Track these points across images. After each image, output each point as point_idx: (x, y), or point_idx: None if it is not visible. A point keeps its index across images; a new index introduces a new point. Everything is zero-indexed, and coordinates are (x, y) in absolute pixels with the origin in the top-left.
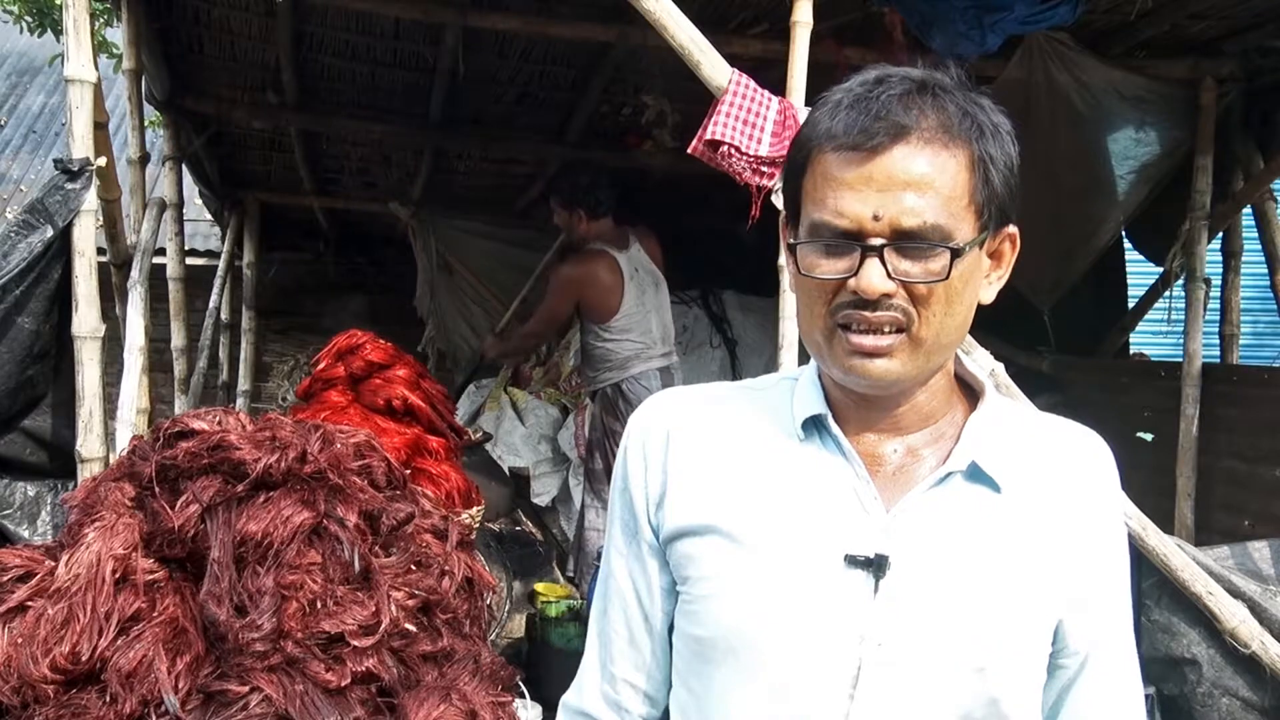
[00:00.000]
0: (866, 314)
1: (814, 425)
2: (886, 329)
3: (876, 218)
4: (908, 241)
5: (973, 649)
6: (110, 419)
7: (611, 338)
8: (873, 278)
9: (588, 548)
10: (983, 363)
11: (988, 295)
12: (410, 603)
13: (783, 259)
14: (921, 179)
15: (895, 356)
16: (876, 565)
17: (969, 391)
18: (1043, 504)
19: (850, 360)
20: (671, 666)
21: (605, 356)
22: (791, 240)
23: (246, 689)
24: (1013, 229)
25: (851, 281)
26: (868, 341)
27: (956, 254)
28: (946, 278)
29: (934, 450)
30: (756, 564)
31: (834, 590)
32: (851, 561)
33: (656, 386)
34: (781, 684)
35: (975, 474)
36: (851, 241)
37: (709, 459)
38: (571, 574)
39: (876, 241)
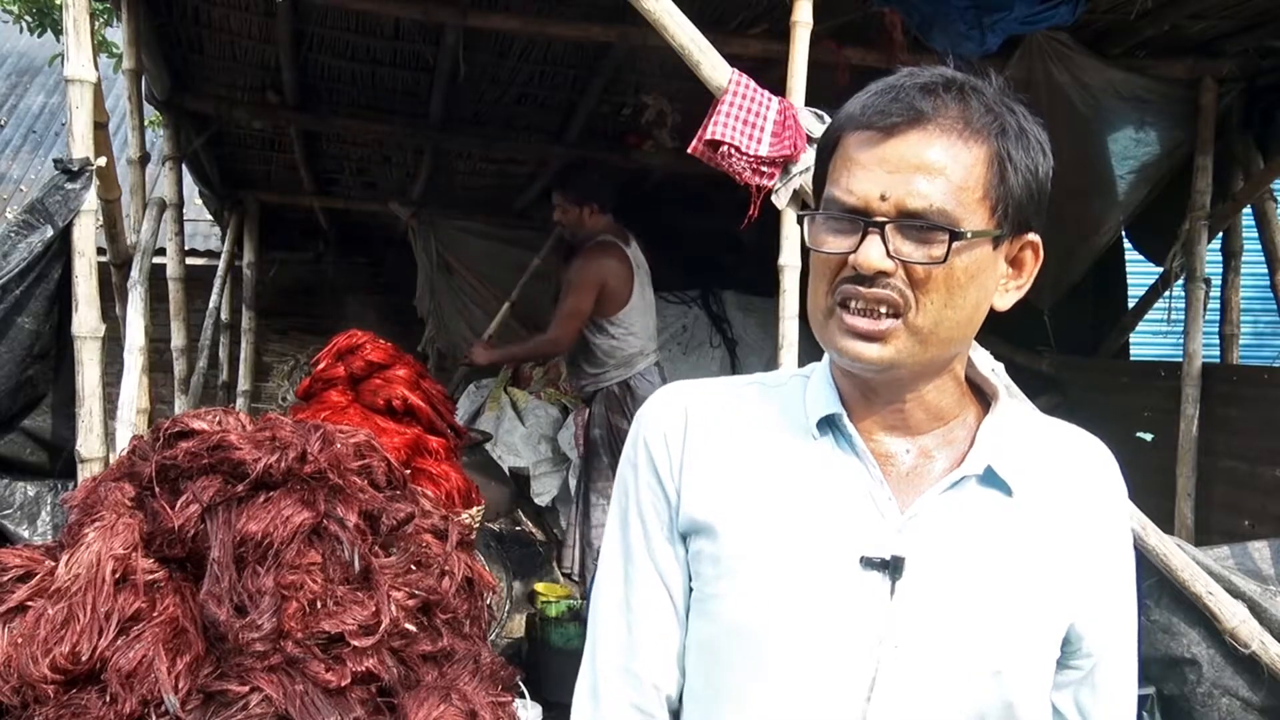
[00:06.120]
0: (862, 289)
1: (828, 424)
2: (883, 310)
3: (884, 197)
4: (910, 221)
5: (990, 652)
6: (110, 419)
7: (619, 333)
8: (870, 253)
9: (596, 544)
10: (982, 363)
11: (1003, 302)
12: (410, 603)
13: (783, 259)
14: (933, 164)
15: (890, 342)
16: (893, 567)
17: (980, 395)
18: (1053, 509)
19: (843, 341)
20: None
21: (611, 353)
22: (798, 213)
23: (246, 689)
24: (1034, 238)
25: (851, 257)
26: (862, 323)
27: (956, 237)
28: (944, 260)
29: (946, 452)
30: (771, 564)
31: (850, 592)
32: (867, 563)
33: (658, 380)
34: (797, 685)
35: (989, 478)
36: (856, 218)
37: (724, 456)
38: (567, 570)
39: (880, 219)
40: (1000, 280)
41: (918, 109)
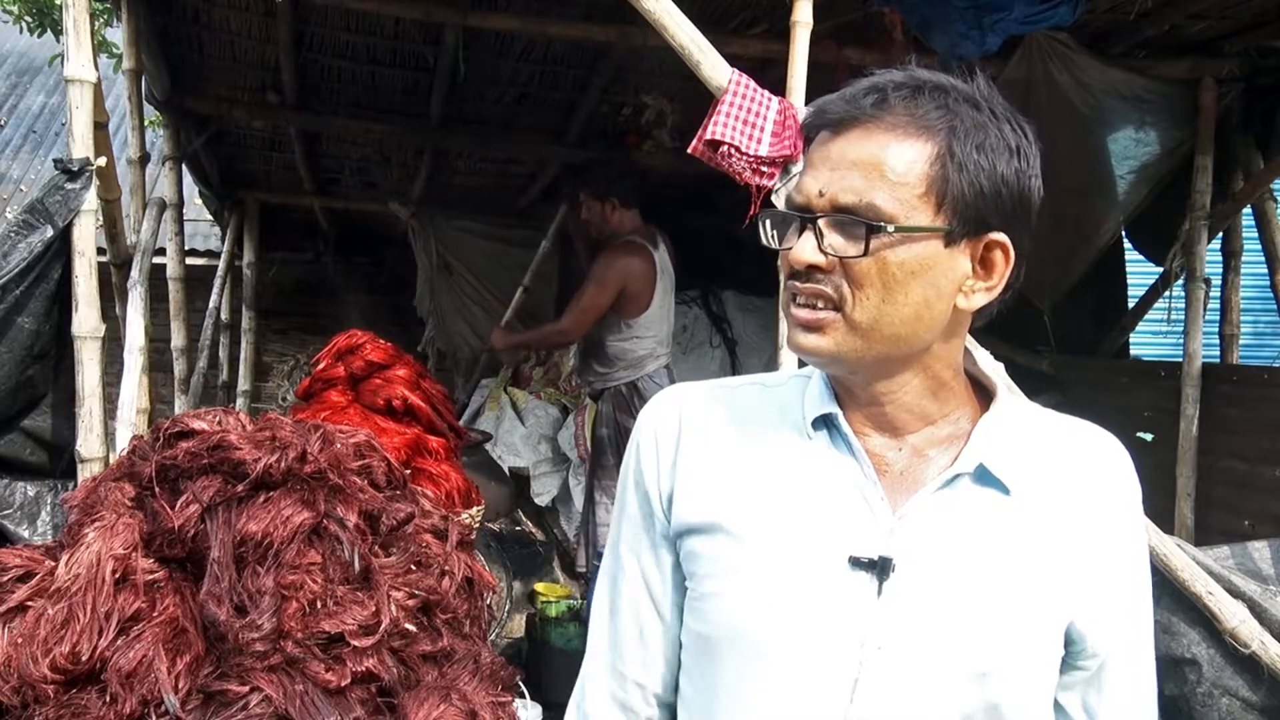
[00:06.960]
0: (798, 283)
1: (824, 424)
2: (820, 304)
3: (821, 194)
4: (838, 216)
5: (975, 654)
6: (110, 419)
7: (633, 335)
8: (803, 248)
9: (600, 544)
10: (984, 362)
11: (968, 304)
12: (410, 603)
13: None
14: (869, 160)
15: (828, 334)
16: (880, 568)
17: (983, 392)
18: (1055, 507)
19: (791, 331)
20: (680, 666)
21: (621, 354)
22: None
23: (246, 689)
24: (1001, 238)
25: (788, 253)
26: (803, 313)
27: (874, 231)
28: (865, 254)
29: (942, 451)
30: (761, 563)
31: (837, 592)
32: (855, 563)
33: (666, 383)
34: (782, 684)
35: (983, 476)
36: (793, 214)
37: (718, 456)
38: (582, 569)
39: (814, 215)
40: (965, 280)
41: (859, 107)
